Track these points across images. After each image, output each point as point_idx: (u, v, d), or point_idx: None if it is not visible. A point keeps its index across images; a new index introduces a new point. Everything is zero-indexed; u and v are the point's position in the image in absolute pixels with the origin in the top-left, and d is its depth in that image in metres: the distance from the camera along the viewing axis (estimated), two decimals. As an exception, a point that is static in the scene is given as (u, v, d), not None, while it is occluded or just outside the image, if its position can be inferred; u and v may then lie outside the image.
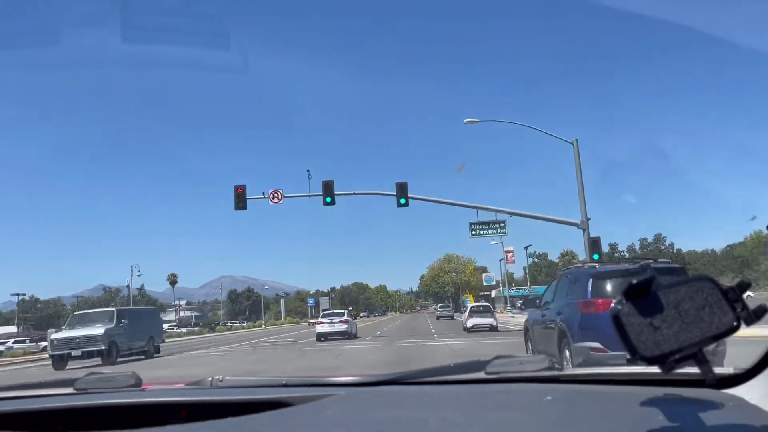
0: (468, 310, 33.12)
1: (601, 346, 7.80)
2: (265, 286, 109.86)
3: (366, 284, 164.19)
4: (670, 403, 1.07)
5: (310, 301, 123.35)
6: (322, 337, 28.70)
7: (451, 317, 63.77)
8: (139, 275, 46.92)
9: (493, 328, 30.22)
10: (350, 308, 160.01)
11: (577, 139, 22.49)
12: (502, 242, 54.92)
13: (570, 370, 1.53)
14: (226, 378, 1.56)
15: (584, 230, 22.23)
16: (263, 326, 75.42)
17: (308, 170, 22.62)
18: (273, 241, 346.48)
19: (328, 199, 22.31)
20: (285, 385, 1.48)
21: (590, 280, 8.78)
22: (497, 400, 1.26)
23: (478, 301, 44.90)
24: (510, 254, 58.32)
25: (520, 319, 44.92)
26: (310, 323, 69.10)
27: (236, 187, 22.41)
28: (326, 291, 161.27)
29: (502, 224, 25.17)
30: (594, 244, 21.54)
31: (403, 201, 22.36)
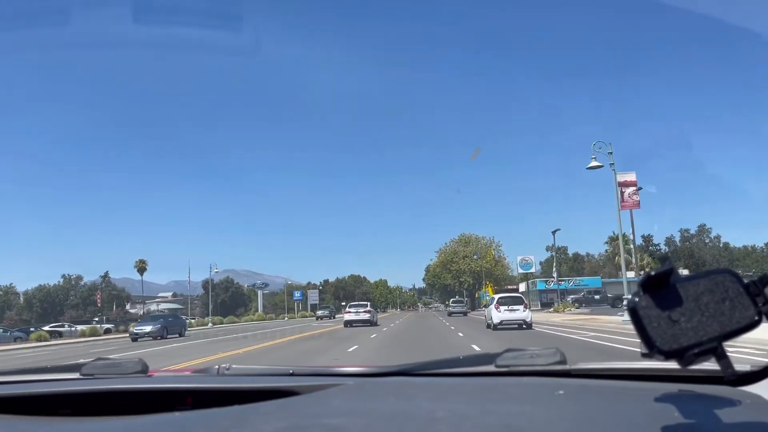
0: (495, 302, 25.80)
1: None
2: (210, 270, 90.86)
3: (364, 277, 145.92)
4: (686, 400, 1.04)
5: (296, 294, 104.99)
6: (349, 324, 34.54)
7: (465, 314, 53.93)
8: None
9: (525, 325, 24.41)
10: (344, 303, 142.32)
11: None
12: (612, 165, 24.42)
13: (582, 365, 1.45)
14: (233, 366, 1.56)
15: None
16: (210, 324, 56.61)
17: None
18: (274, 235, 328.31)
19: None
20: (292, 374, 1.47)
21: None
22: (507, 393, 1.24)
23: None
24: (631, 191, 25.38)
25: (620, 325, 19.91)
26: (132, 335, 32.51)
27: None
28: (317, 284, 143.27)
29: None
30: None
31: None
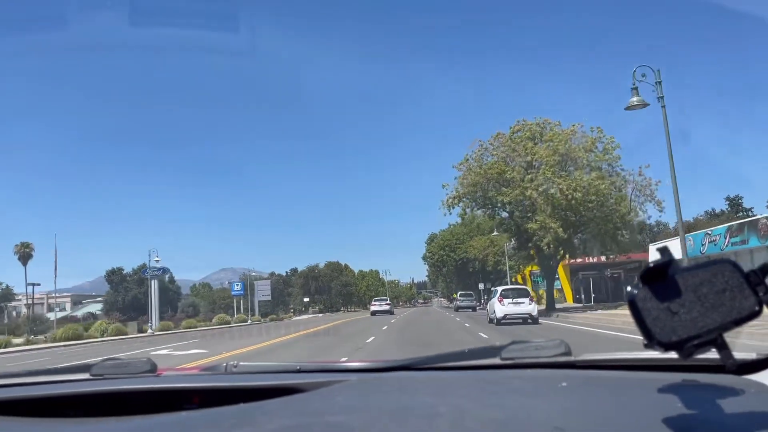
0: (497, 294, 23.21)
1: None
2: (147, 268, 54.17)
3: (345, 265, 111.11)
4: (689, 389, 1.04)
5: (235, 287, 70.51)
6: (374, 313, 46.55)
7: (474, 308, 46.03)
8: None
9: (531, 320, 22.07)
10: (307, 299, 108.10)
11: None
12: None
13: (586, 356, 1.48)
14: (240, 363, 1.58)
15: None
16: None
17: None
18: (275, 230, 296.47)
19: None
20: (298, 371, 1.51)
21: None
22: (512, 386, 1.24)
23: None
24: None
25: None
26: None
27: None
28: (283, 273, 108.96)
29: None
30: None
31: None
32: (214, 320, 52.15)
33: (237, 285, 70.50)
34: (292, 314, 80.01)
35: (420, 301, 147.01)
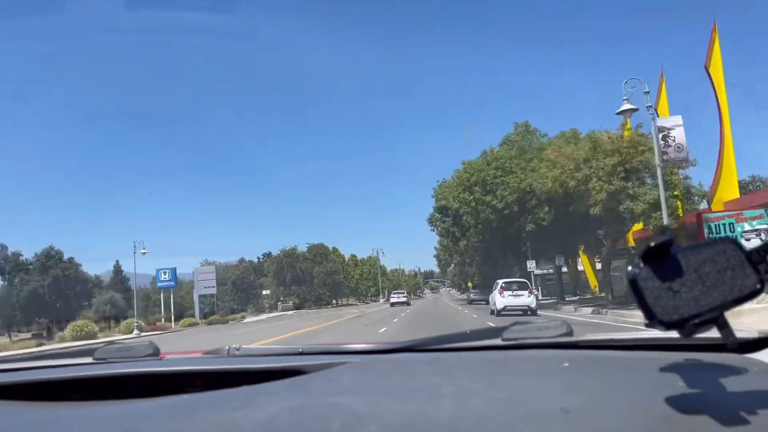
0: (498, 287, 25.11)
1: None
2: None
3: (333, 248, 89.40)
4: (691, 368, 1.04)
5: (162, 277, 48.42)
6: (393, 305, 51.56)
7: (487, 301, 36.58)
8: None
9: (530, 311, 23.56)
10: (267, 291, 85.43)
11: None
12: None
13: (588, 336, 1.50)
14: (243, 347, 1.58)
15: None
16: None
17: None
18: (281, 221, 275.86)
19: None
20: (301, 353, 1.51)
21: None
22: (514, 366, 1.24)
23: None
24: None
25: None
26: None
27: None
28: (254, 259, 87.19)
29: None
30: None
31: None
32: (67, 331, 30.20)
33: (164, 273, 48.34)
34: (247, 313, 58.29)
35: (427, 291, 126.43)
